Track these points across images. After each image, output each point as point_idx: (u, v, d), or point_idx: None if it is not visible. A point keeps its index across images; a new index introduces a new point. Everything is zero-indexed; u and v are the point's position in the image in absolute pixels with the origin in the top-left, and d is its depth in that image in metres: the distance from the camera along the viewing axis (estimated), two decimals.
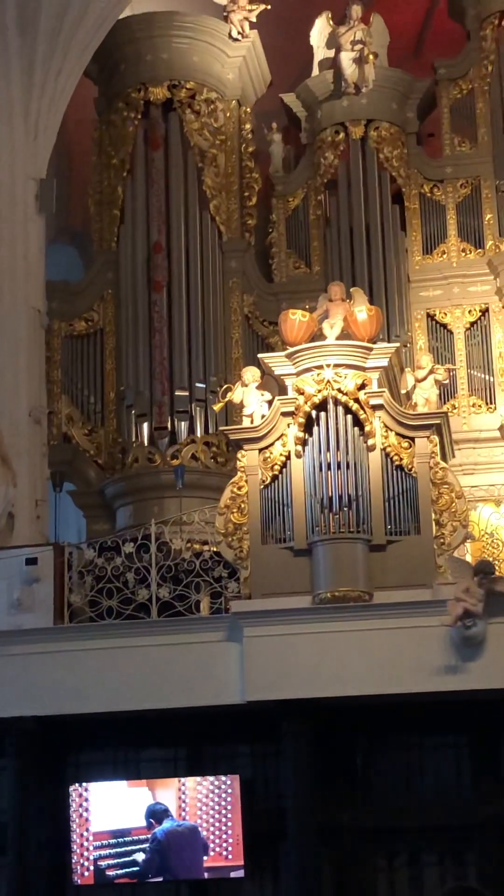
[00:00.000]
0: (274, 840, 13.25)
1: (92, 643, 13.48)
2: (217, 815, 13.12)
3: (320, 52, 19.37)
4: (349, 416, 13.43)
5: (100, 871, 13.24)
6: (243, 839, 13.03)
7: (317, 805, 13.03)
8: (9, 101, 16.35)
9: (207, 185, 18.46)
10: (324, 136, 19.01)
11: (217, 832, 13.10)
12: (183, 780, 13.32)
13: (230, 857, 13.07)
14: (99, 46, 17.14)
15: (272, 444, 13.66)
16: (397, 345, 15.06)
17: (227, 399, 14.49)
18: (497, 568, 13.52)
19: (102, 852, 13.26)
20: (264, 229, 19.13)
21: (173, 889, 13.68)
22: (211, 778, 13.23)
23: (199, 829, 13.08)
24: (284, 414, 13.61)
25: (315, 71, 19.33)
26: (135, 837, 13.24)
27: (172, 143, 18.43)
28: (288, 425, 13.59)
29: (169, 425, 17.53)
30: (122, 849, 13.25)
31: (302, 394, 13.52)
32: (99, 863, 13.24)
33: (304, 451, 13.49)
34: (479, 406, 18.07)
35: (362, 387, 13.47)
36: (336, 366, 13.47)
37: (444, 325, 18.41)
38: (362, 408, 13.40)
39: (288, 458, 13.56)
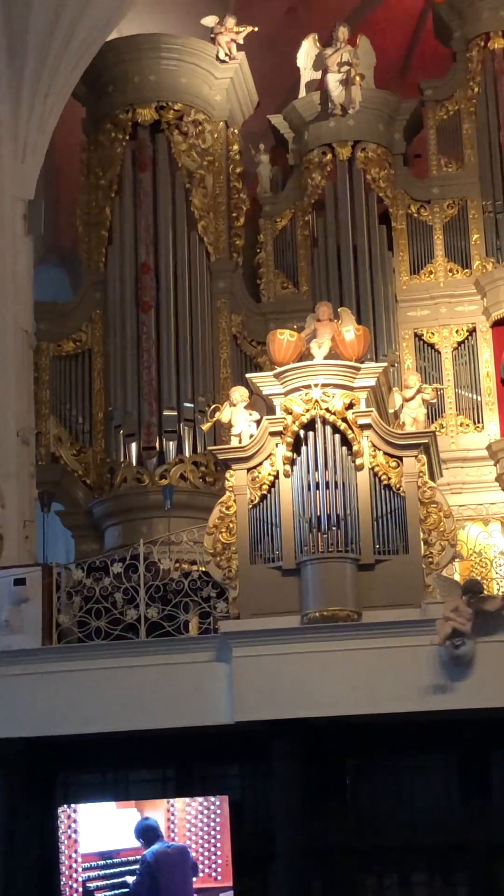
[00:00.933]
0: (263, 861, 13.19)
1: (80, 664, 13.44)
2: (206, 837, 13.07)
3: (307, 73, 19.48)
4: (337, 436, 13.44)
5: (88, 892, 13.14)
6: (232, 860, 12.97)
7: (306, 826, 12.99)
8: None
9: (195, 205, 18.51)
10: (311, 157, 19.09)
11: (206, 853, 13.05)
12: (172, 801, 13.27)
13: (219, 878, 13.00)
14: (87, 68, 17.21)
15: (260, 464, 13.66)
16: (385, 364, 15.11)
17: (215, 419, 14.50)
18: (485, 587, 13.53)
19: (91, 874, 13.16)
20: (252, 250, 19.19)
21: None
22: (200, 799, 13.18)
23: (189, 850, 13.03)
24: (273, 433, 13.62)
25: (302, 92, 19.43)
26: (124, 859, 13.17)
27: (160, 164, 18.48)
28: (276, 445, 13.60)
29: (157, 445, 17.54)
30: (111, 870, 13.17)
31: (290, 413, 13.54)
32: (88, 884, 13.15)
33: (292, 470, 13.49)
34: (467, 425, 18.12)
35: (350, 406, 13.49)
36: (324, 385, 13.49)
37: (432, 345, 18.47)
38: (350, 427, 13.42)
39: (276, 477, 13.56)
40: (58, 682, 13.40)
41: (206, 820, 13.08)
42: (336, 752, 13.39)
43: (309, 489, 13.30)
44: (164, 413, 17.59)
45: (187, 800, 13.20)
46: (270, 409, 13.88)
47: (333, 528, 13.15)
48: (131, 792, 13.70)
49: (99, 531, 17.91)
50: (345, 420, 13.44)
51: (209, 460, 17.31)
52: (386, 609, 13.08)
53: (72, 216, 19.20)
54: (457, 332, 18.46)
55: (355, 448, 13.42)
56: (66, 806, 13.30)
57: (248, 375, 14.54)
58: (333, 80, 18.71)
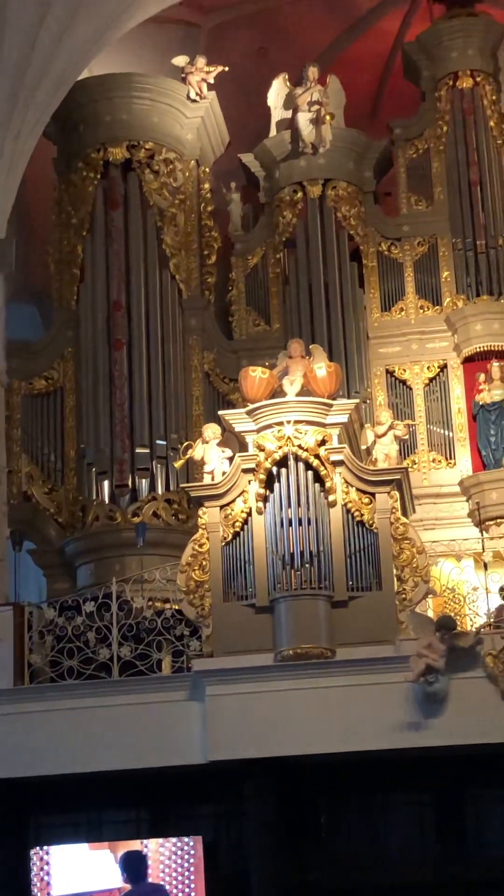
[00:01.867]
0: None
1: (52, 704, 13.35)
2: (180, 878, 12.96)
3: (278, 112, 19.59)
4: (310, 473, 13.45)
5: None
6: None
7: (281, 865, 12.90)
8: None
9: (167, 243, 18.55)
10: (282, 196, 19.19)
11: (180, 895, 12.92)
12: (145, 842, 13.16)
13: None
14: (58, 107, 17.24)
15: (233, 501, 13.65)
16: (357, 401, 15.15)
17: (187, 456, 14.50)
18: (459, 623, 13.52)
19: None
20: (224, 287, 19.23)
21: None
22: (173, 840, 13.08)
23: (164, 888, 12.88)
24: (245, 470, 13.62)
25: (273, 131, 19.55)
26: None
27: (132, 203, 18.53)
28: (249, 482, 13.60)
29: (130, 483, 17.49)
30: None
31: (262, 450, 13.54)
32: None
33: (265, 507, 13.49)
34: (439, 461, 18.16)
35: (323, 443, 13.51)
36: (296, 422, 13.52)
37: (404, 381, 18.54)
38: (323, 464, 13.44)
39: (249, 514, 13.55)
40: (30, 723, 13.30)
41: (179, 861, 12.98)
42: (310, 790, 13.33)
43: (282, 526, 13.29)
44: (137, 450, 17.55)
45: (161, 841, 13.10)
46: (243, 446, 13.88)
47: (307, 565, 13.13)
48: (104, 833, 13.58)
49: (71, 570, 17.82)
50: (317, 457, 13.45)
51: (182, 498, 17.27)
52: (359, 646, 13.07)
53: (43, 254, 19.21)
54: (428, 368, 18.54)
55: (328, 485, 13.43)
56: (38, 848, 13.18)
57: (220, 412, 14.54)
58: (304, 119, 18.84)
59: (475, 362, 18.32)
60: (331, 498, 13.44)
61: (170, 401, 17.93)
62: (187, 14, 20.41)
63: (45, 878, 13.06)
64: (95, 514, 17.52)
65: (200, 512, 13.80)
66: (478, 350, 18.22)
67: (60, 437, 18.34)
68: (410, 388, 18.47)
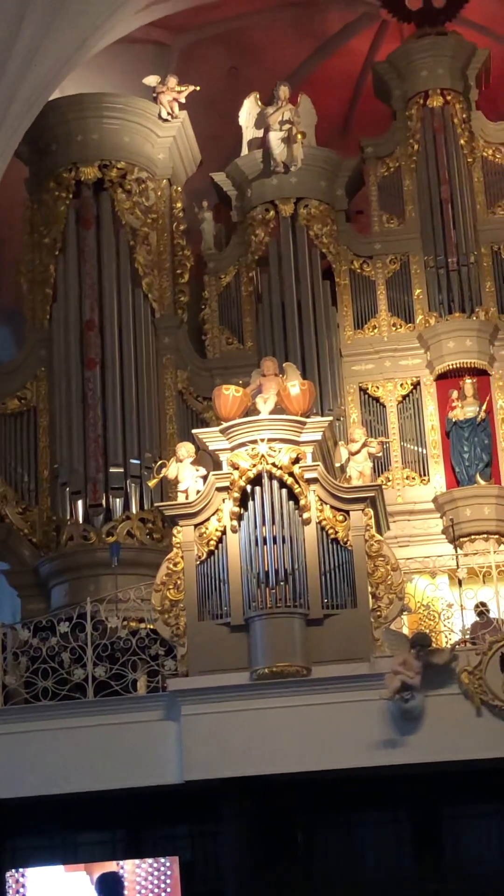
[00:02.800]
0: None
1: (27, 725, 13.29)
2: None
3: (249, 131, 19.65)
4: (284, 490, 13.45)
5: None
6: None
7: (259, 885, 12.85)
8: None
9: (139, 262, 18.56)
10: (254, 214, 19.23)
11: None
12: (121, 863, 13.10)
13: None
14: (29, 127, 17.24)
15: (208, 520, 13.64)
16: (330, 418, 15.20)
17: (161, 475, 14.48)
18: (434, 640, 13.53)
19: None
20: (197, 306, 19.24)
21: None
22: (150, 860, 13.03)
23: None
24: (219, 489, 13.61)
25: (244, 150, 19.59)
26: None
27: (104, 222, 18.53)
28: (223, 500, 13.59)
29: (104, 502, 17.44)
30: None
31: (236, 468, 13.54)
32: None
33: (239, 525, 13.48)
34: (413, 478, 18.19)
35: (296, 461, 13.52)
36: (270, 440, 13.52)
37: (377, 399, 18.57)
38: (297, 481, 13.44)
39: (223, 533, 13.53)
40: (4, 745, 13.24)
41: (156, 882, 12.92)
42: (287, 809, 13.29)
43: (256, 544, 13.28)
44: (111, 470, 17.51)
45: (137, 861, 13.05)
46: (217, 465, 13.87)
47: (281, 583, 13.12)
48: (80, 855, 13.51)
49: (45, 590, 17.74)
50: (291, 474, 13.46)
51: (156, 517, 17.24)
52: (335, 664, 13.06)
53: (16, 274, 19.16)
54: (401, 385, 18.58)
55: (302, 502, 13.43)
56: (13, 870, 13.09)
57: (194, 431, 14.54)
58: (275, 138, 18.90)
59: (448, 379, 18.38)
60: (305, 516, 13.44)
61: (143, 420, 17.90)
62: (158, 34, 20.46)
63: None
64: (69, 533, 17.45)
65: (175, 531, 13.78)
66: (450, 367, 18.28)
67: (34, 456, 18.29)
68: (384, 406, 18.50)
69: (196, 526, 13.65)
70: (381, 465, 17.48)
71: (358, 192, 19.68)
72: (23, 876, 13.05)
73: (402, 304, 18.89)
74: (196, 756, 12.89)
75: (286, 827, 13.30)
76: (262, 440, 13.51)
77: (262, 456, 13.46)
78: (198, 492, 13.76)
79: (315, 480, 13.54)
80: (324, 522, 13.49)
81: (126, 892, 12.60)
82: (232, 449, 13.66)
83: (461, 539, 17.14)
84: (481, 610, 14.11)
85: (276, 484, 13.45)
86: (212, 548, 13.55)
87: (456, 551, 16.09)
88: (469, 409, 17.97)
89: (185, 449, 14.19)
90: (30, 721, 13.29)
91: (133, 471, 17.54)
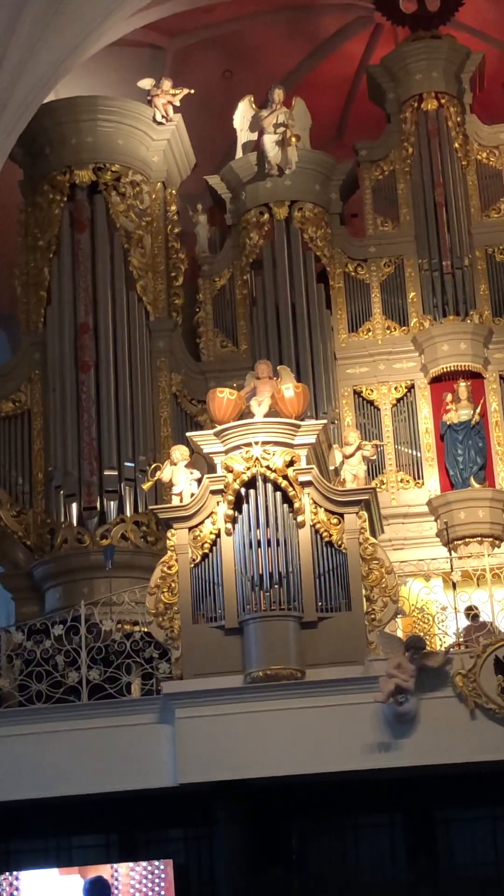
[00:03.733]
0: None
1: (21, 728, 13.28)
2: None
3: (243, 134, 19.65)
4: (278, 493, 13.46)
5: None
6: None
7: (252, 888, 12.85)
8: None
9: (134, 265, 18.55)
10: (248, 217, 19.24)
11: None
12: (115, 865, 13.10)
13: None
14: (23, 130, 17.24)
15: (202, 523, 13.65)
16: (325, 421, 15.20)
17: (156, 478, 14.49)
18: (428, 643, 13.54)
19: None
20: (191, 309, 19.24)
21: None
22: (144, 863, 13.03)
23: None
24: (214, 492, 13.62)
25: (239, 153, 19.60)
26: None
27: (98, 225, 18.52)
28: (217, 503, 13.59)
29: (98, 505, 17.42)
30: None
31: (231, 471, 13.55)
32: None
33: (233, 528, 13.49)
34: (407, 481, 18.20)
35: (291, 464, 13.53)
36: (264, 443, 13.53)
37: (371, 402, 18.58)
38: (291, 484, 13.45)
39: (218, 536, 13.54)
40: None
41: (150, 885, 12.92)
42: (281, 812, 13.29)
43: (251, 547, 13.29)
44: (105, 473, 17.50)
45: (131, 864, 13.05)
46: (211, 468, 13.88)
47: (276, 586, 13.13)
48: (74, 858, 13.50)
49: (40, 593, 17.73)
50: (285, 477, 13.47)
51: (150, 520, 17.23)
52: (329, 667, 13.07)
53: (10, 277, 19.16)
54: (395, 388, 18.59)
55: (296, 505, 13.44)
56: (7, 874, 13.09)
57: (188, 434, 14.55)
58: (269, 141, 18.91)
59: (442, 382, 18.39)
60: (299, 519, 13.45)
61: (137, 423, 17.90)
62: (153, 37, 20.47)
63: None
64: (64, 537, 17.45)
65: (169, 534, 13.79)
66: (445, 370, 18.30)
67: (28, 460, 18.27)
68: (378, 409, 18.52)
69: (190, 529, 13.65)
70: (375, 468, 17.48)
71: (352, 195, 19.70)
72: (17, 879, 13.04)
73: (396, 307, 18.90)
74: (190, 759, 12.89)
75: (280, 830, 13.31)
76: (257, 443, 13.52)
77: (257, 459, 13.47)
78: (192, 495, 13.77)
79: (309, 483, 13.56)
80: (318, 525, 13.50)
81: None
82: (226, 452, 13.67)
83: (455, 542, 17.14)
84: (474, 613, 14.13)
85: (270, 487, 13.46)
86: (206, 551, 13.56)
87: (450, 554, 16.11)
88: (463, 413, 17.99)
89: (180, 452, 14.20)
90: (24, 724, 13.29)
91: (127, 474, 17.52)
